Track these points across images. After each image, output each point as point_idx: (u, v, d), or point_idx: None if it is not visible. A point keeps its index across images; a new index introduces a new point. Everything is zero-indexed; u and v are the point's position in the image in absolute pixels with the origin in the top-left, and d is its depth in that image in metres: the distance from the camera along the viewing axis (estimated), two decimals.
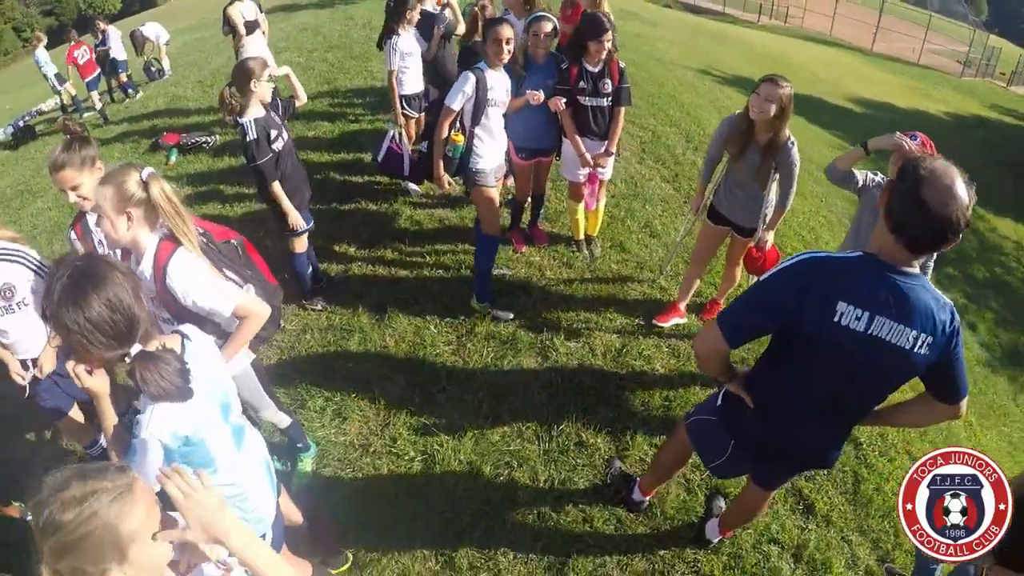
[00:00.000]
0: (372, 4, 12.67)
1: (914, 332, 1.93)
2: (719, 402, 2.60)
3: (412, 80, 5.71)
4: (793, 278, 2.04)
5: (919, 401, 2.24)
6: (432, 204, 5.81)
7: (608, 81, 4.31)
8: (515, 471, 3.49)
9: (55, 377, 3.11)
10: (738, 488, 3.26)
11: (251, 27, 7.43)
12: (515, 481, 3.44)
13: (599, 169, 4.60)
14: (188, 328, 2.03)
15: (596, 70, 4.29)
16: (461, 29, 6.07)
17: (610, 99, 4.37)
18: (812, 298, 1.98)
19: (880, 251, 1.96)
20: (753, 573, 3.18)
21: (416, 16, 5.57)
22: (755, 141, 3.71)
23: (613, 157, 4.69)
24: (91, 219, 2.95)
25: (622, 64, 4.39)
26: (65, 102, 11.96)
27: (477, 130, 4.04)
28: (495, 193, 4.23)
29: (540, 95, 4.22)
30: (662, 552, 3.20)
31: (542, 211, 5.40)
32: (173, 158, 7.30)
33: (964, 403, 2.13)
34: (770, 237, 4.01)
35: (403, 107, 5.70)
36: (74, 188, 2.78)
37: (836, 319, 1.95)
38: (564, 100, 4.29)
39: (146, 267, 2.30)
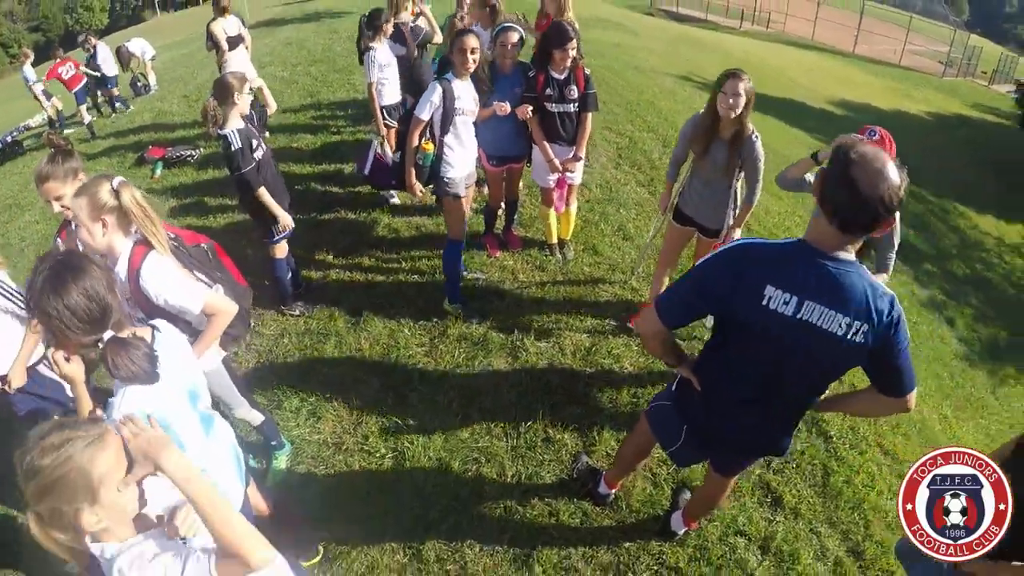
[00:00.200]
0: (357, 18, 12.75)
1: (846, 319, 1.93)
2: (674, 387, 2.66)
3: (391, 91, 5.87)
4: (726, 263, 2.08)
5: (866, 392, 2.24)
6: (410, 212, 5.92)
7: (574, 87, 4.43)
8: (483, 467, 3.58)
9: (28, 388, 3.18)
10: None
11: (234, 42, 7.60)
12: (483, 477, 3.53)
13: (568, 174, 4.70)
14: (160, 322, 2.19)
15: (562, 77, 4.41)
16: (438, 38, 6.23)
17: (577, 105, 4.49)
18: (743, 282, 2.01)
19: (814, 238, 1.97)
20: (719, 565, 3.22)
21: (391, 28, 5.71)
22: (719, 137, 3.78)
23: (582, 162, 4.79)
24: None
25: (587, 71, 4.51)
26: (52, 117, 12.05)
27: (447, 139, 4.15)
28: (464, 201, 4.35)
29: (507, 107, 4.33)
30: (627, 544, 3.26)
31: (516, 216, 5.52)
32: (158, 171, 7.40)
33: (912, 397, 2.10)
34: (737, 234, 4.06)
35: (384, 117, 5.84)
36: (58, 199, 2.87)
37: (764, 303, 1.98)
38: (531, 108, 4.40)
39: (121, 269, 2.43)
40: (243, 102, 3.95)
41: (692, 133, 3.90)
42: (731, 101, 3.58)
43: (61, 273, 1.87)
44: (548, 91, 4.41)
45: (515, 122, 4.48)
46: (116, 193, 2.35)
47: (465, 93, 4.12)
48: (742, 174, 3.93)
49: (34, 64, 11.88)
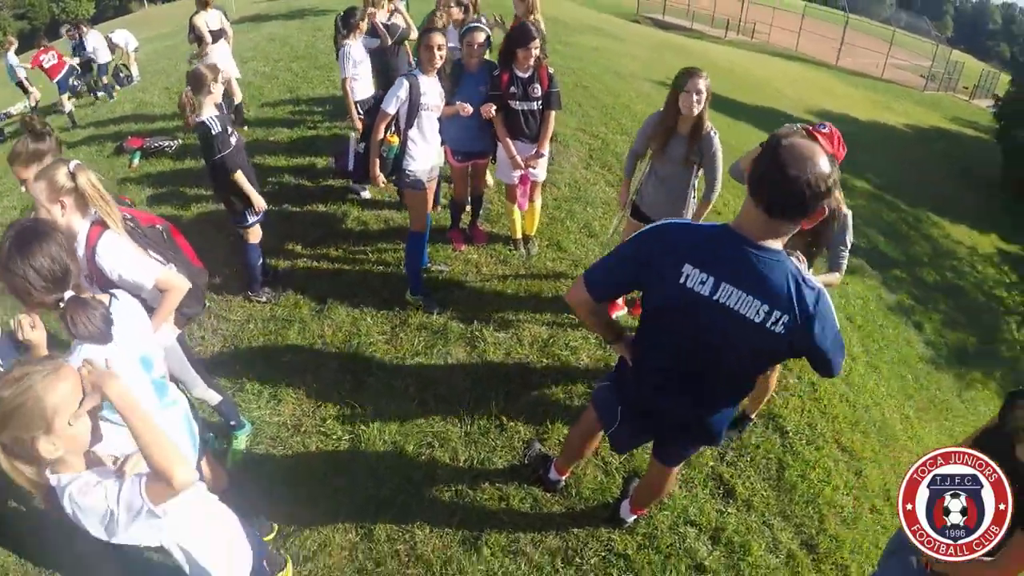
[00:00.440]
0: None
1: (764, 306, 1.93)
2: (615, 368, 2.73)
3: (363, 87, 6.01)
4: (650, 239, 2.11)
5: None
6: (379, 206, 6.02)
7: (538, 86, 4.53)
8: (436, 451, 3.67)
9: None
10: None
11: (216, 36, 7.67)
12: (436, 460, 3.61)
13: (531, 170, 4.80)
14: (118, 291, 2.33)
15: (526, 76, 4.52)
16: (414, 35, 6.34)
17: (540, 103, 4.60)
18: (664, 260, 2.03)
19: (740, 223, 1.97)
20: (668, 553, 3.28)
21: (365, 25, 5.83)
22: (678, 133, 3.87)
23: (545, 158, 4.90)
24: None
25: (551, 70, 4.62)
26: (33, 106, 12.03)
27: (411, 133, 4.25)
28: (425, 194, 4.45)
29: (469, 108, 4.44)
30: (576, 530, 3.32)
31: (481, 211, 5.61)
32: (136, 161, 7.43)
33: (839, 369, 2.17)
34: None
35: (358, 112, 5.96)
36: (23, 181, 2.95)
37: (682, 280, 1.99)
38: (495, 107, 4.51)
39: (79, 248, 2.53)
40: (217, 91, 4.15)
41: (652, 130, 3.98)
42: (694, 98, 3.68)
43: (26, 237, 2.03)
44: (512, 89, 4.51)
45: (480, 119, 4.57)
46: (73, 176, 2.49)
47: (431, 89, 4.22)
48: (700, 171, 4.02)
49: (18, 52, 11.88)
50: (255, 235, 4.61)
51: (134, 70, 12.62)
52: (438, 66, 4.20)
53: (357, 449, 3.67)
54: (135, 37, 13.15)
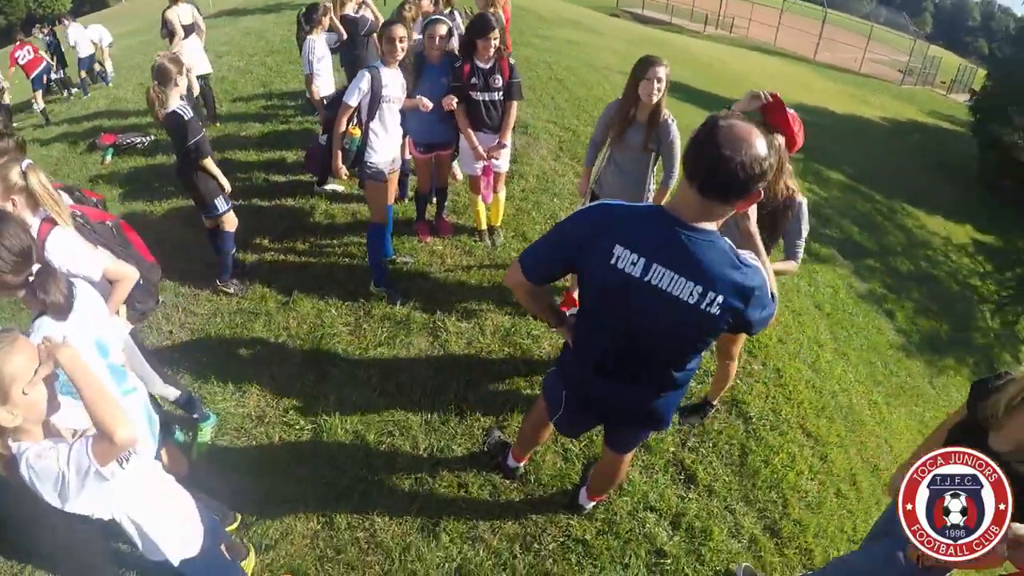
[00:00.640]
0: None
1: (698, 287, 1.91)
2: (560, 354, 2.70)
3: (325, 83, 6.05)
4: (583, 220, 2.10)
5: None
6: (347, 199, 6.03)
7: (499, 77, 4.56)
8: (397, 439, 3.69)
9: None
10: None
11: (188, 30, 7.66)
12: (396, 449, 3.64)
13: (494, 161, 4.83)
14: (74, 279, 2.41)
15: (487, 67, 4.54)
16: None
17: (502, 93, 4.63)
18: (596, 240, 2.01)
19: (674, 204, 1.95)
20: (627, 538, 3.30)
21: (327, 21, 5.85)
22: (636, 121, 3.88)
23: (508, 149, 4.93)
24: None
25: (512, 60, 4.66)
26: (5, 102, 11.92)
27: (372, 125, 4.27)
28: (386, 186, 4.48)
29: (428, 103, 4.46)
30: (535, 516, 3.34)
31: (447, 203, 5.64)
32: (108, 158, 7.41)
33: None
34: None
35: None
36: None
37: (613, 261, 1.97)
38: (456, 99, 4.54)
39: None
40: (183, 83, 4.24)
41: (611, 118, 3.99)
42: (655, 86, 3.69)
43: None
44: (473, 80, 4.54)
45: (442, 110, 4.59)
46: (24, 175, 2.59)
47: (393, 81, 4.24)
48: (658, 160, 4.04)
49: None
50: (231, 222, 4.68)
51: (108, 66, 12.54)
52: (400, 58, 4.22)
53: (319, 439, 3.69)
54: (109, 32, 13.05)
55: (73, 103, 10.97)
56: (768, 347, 5.07)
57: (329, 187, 6.10)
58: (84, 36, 12.12)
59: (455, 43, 4.83)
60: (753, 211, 2.34)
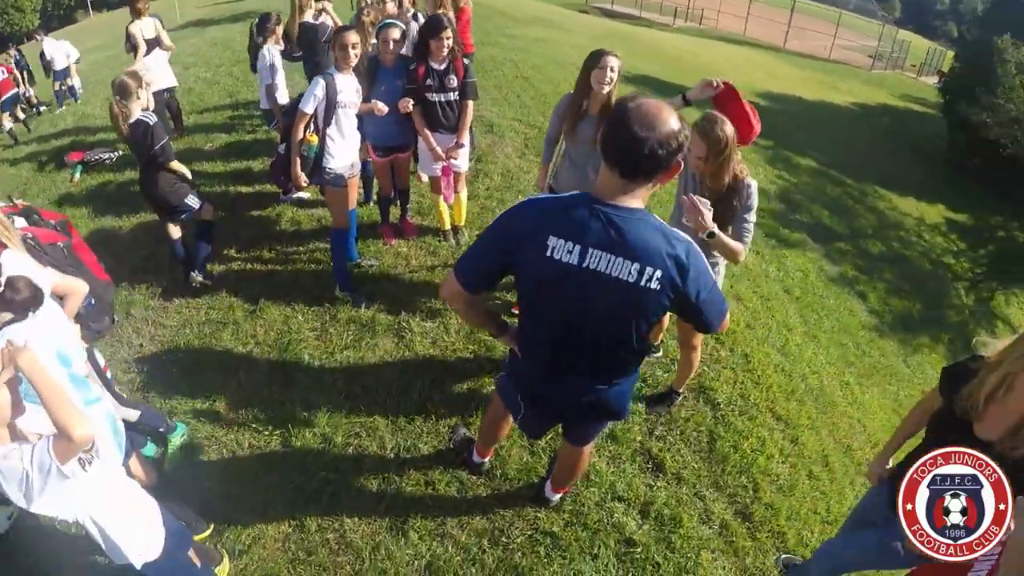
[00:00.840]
0: (284, 19, 12.81)
1: (636, 265, 1.93)
2: (507, 359, 2.72)
3: (281, 93, 6.11)
4: (511, 219, 2.12)
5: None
6: (313, 206, 6.04)
7: (454, 77, 4.60)
8: (364, 440, 3.72)
9: None
10: None
11: (151, 44, 7.63)
12: (363, 450, 3.67)
13: (452, 161, 4.87)
14: None
15: (441, 67, 4.58)
16: None
17: (457, 93, 4.66)
18: (528, 236, 2.01)
19: (597, 187, 1.98)
20: (596, 529, 3.32)
21: (281, 31, 5.86)
22: (588, 115, 3.90)
23: (466, 148, 4.97)
24: None
25: (467, 61, 4.71)
26: None
27: (329, 131, 4.29)
28: (346, 191, 4.52)
29: (383, 107, 4.47)
30: (502, 511, 3.36)
31: (409, 205, 5.67)
32: (77, 175, 7.37)
33: (724, 324, 2.19)
34: None
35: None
36: None
37: (548, 253, 1.97)
38: (411, 101, 4.57)
39: None
40: (144, 96, 4.34)
41: (563, 112, 4.00)
42: (608, 76, 3.71)
43: None
44: (429, 81, 4.57)
45: (398, 113, 4.61)
46: None
47: (347, 86, 4.27)
48: None
49: None
50: (209, 212, 4.82)
51: (76, 82, 12.46)
52: (353, 64, 4.24)
53: (288, 444, 3.71)
54: (76, 48, 12.96)
55: (41, 121, 10.89)
56: (736, 333, 5.13)
57: (295, 195, 6.11)
58: (60, 49, 12.07)
59: (409, 46, 4.87)
60: (708, 213, 2.41)
